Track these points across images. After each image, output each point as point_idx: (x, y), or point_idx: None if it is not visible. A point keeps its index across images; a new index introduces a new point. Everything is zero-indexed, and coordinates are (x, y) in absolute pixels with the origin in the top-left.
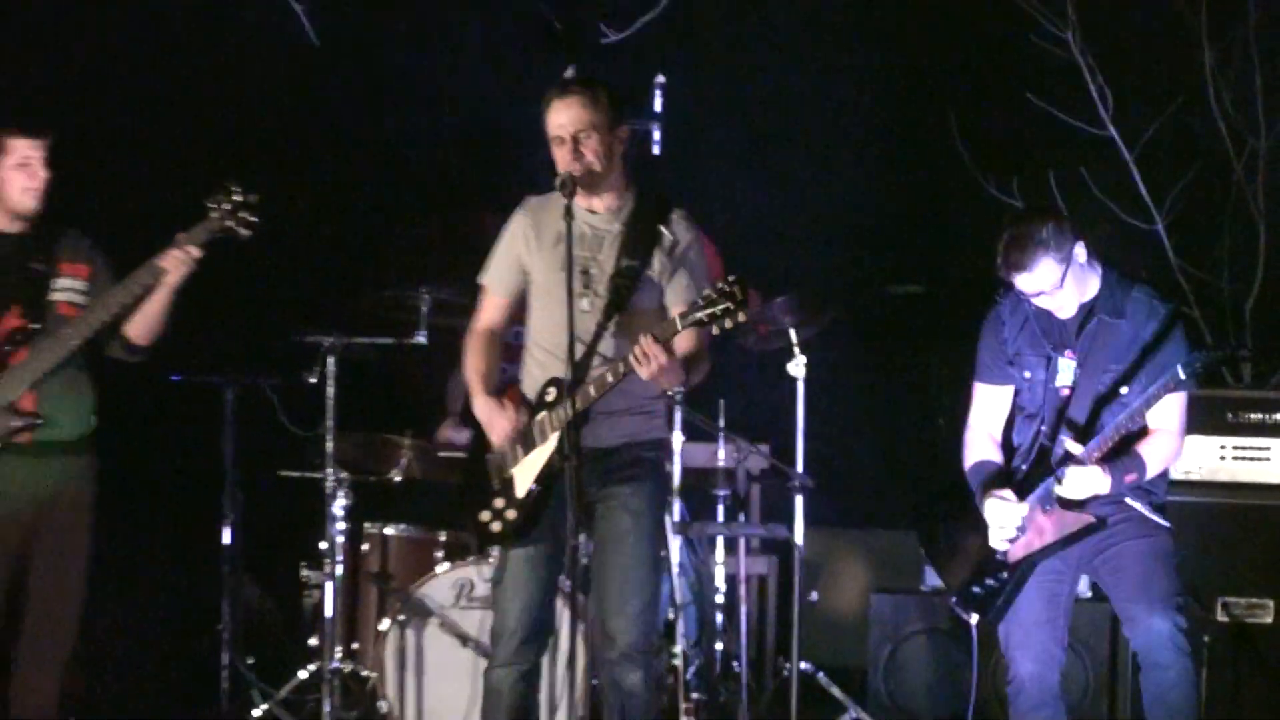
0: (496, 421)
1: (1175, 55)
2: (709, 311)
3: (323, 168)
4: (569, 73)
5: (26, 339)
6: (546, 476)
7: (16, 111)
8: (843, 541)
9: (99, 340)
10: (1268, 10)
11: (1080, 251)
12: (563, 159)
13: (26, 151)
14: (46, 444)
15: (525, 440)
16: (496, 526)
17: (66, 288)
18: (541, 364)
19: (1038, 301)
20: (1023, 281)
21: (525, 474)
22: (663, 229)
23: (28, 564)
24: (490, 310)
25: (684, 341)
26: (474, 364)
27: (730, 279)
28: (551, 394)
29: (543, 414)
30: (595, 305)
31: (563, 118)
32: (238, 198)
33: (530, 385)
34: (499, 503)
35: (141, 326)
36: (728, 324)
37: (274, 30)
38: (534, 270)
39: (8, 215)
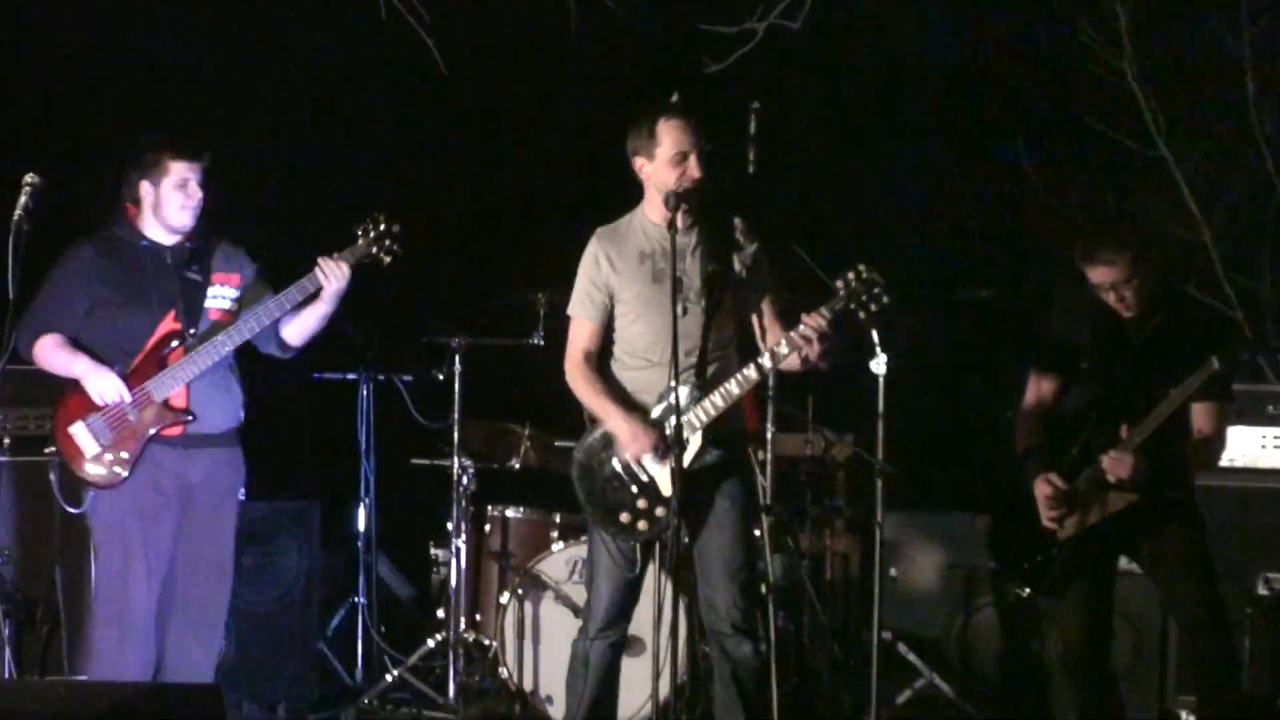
0: (641, 436)
1: (1221, 83)
2: (858, 297)
3: (451, 185)
4: (673, 99)
5: (182, 341)
6: (691, 479)
7: (175, 135)
8: (919, 522)
9: (255, 340)
10: None
11: (1152, 258)
12: (688, 175)
13: (184, 173)
14: (195, 437)
15: (665, 445)
16: (643, 524)
17: (218, 295)
18: (643, 372)
19: (1105, 297)
20: (1096, 274)
21: (669, 476)
22: (738, 237)
23: (176, 546)
24: (584, 336)
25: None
26: (595, 389)
27: (866, 266)
28: (679, 399)
29: (682, 418)
30: (693, 311)
31: (692, 137)
32: (383, 226)
33: (639, 390)
34: (642, 503)
35: (297, 330)
36: (873, 308)
37: (410, 61)
38: (621, 289)
39: (165, 230)
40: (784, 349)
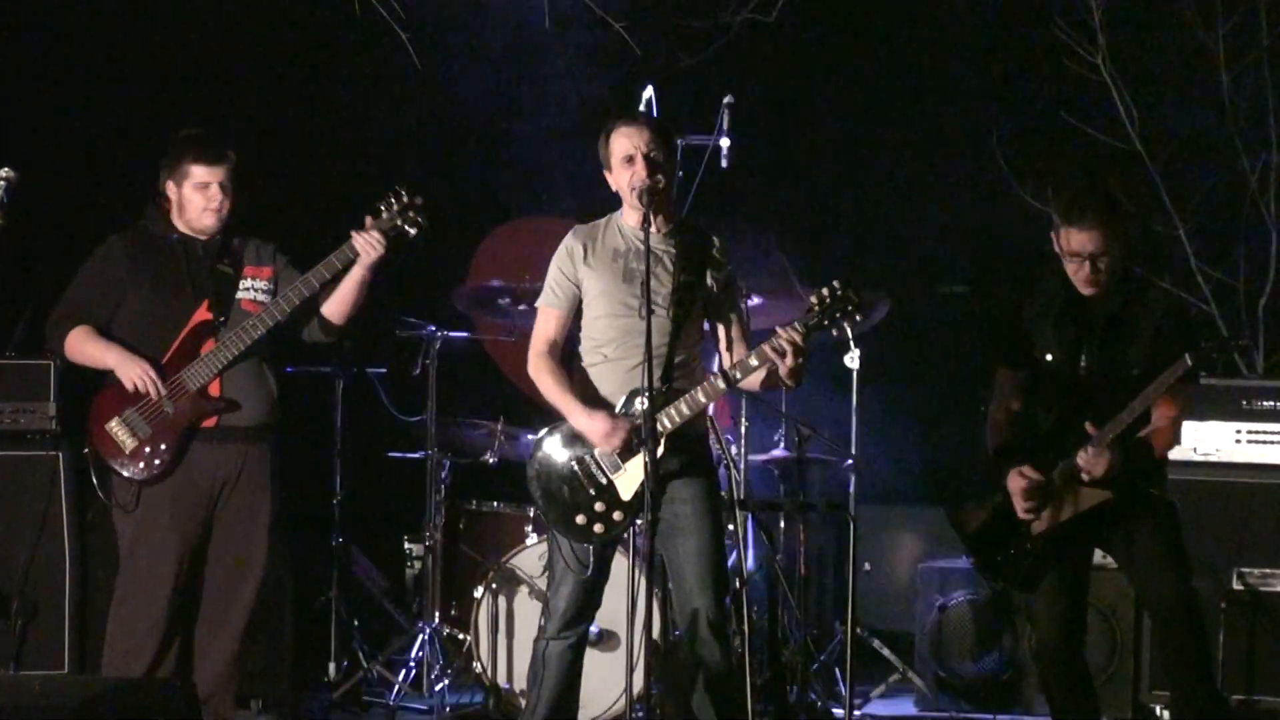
0: (607, 432)
1: (1196, 77)
2: (832, 314)
3: (425, 179)
4: (648, 93)
5: (213, 331)
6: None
7: (200, 137)
8: (893, 516)
9: (294, 328)
10: None
11: (1127, 236)
12: (636, 175)
13: (204, 176)
14: (229, 429)
15: (626, 448)
16: (599, 528)
17: (251, 287)
18: (600, 367)
19: (1073, 268)
20: (1074, 238)
21: (630, 479)
22: (715, 254)
23: (208, 539)
24: (550, 326)
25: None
26: (559, 383)
27: (843, 283)
28: (642, 404)
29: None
30: (660, 316)
31: (635, 139)
32: (405, 199)
33: (600, 388)
34: (599, 506)
35: (336, 305)
36: (846, 325)
37: (384, 55)
38: (590, 283)
39: (191, 229)
40: (754, 361)
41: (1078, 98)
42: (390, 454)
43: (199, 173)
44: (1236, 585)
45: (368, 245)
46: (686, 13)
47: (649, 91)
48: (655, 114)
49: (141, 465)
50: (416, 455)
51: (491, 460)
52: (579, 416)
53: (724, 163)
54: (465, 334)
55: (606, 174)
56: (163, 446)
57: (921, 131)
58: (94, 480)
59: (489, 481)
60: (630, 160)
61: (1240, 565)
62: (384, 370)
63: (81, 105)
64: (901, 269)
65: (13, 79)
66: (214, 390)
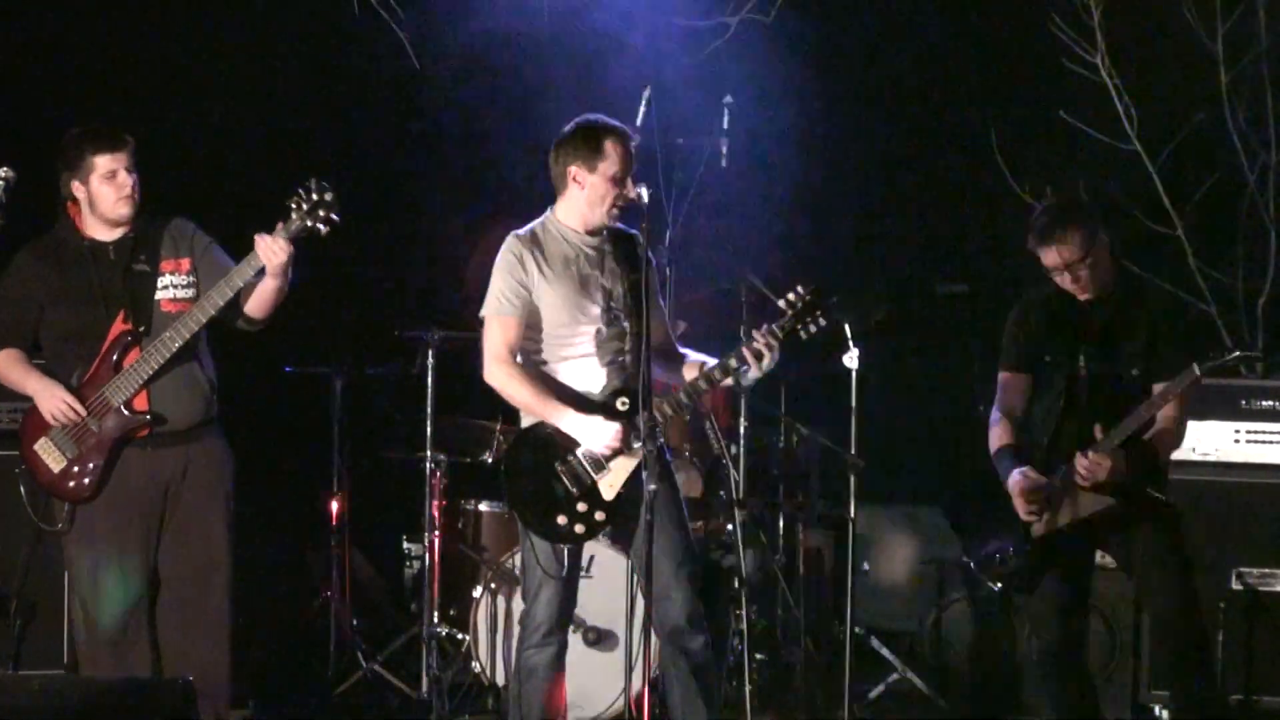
0: (603, 433)
1: (1194, 77)
2: (800, 319)
3: (424, 180)
4: (647, 93)
5: (135, 341)
6: (630, 482)
7: (95, 129)
8: (892, 517)
9: (219, 322)
10: (1278, 36)
11: (1104, 238)
12: (623, 196)
13: (109, 165)
14: (163, 435)
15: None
16: (580, 528)
17: (170, 284)
18: (571, 375)
19: (1061, 280)
20: (1050, 255)
21: (613, 480)
22: (639, 252)
23: (161, 546)
24: (510, 334)
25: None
26: (535, 387)
27: (810, 288)
28: (624, 404)
29: (624, 423)
30: (621, 320)
31: (630, 161)
32: (315, 195)
33: (578, 391)
34: (581, 506)
35: (256, 304)
36: (813, 329)
37: (383, 55)
38: (545, 292)
39: (107, 225)
40: (734, 363)
41: (1077, 98)
42: (389, 454)
43: (103, 162)
44: (1236, 585)
45: (269, 253)
46: (686, 13)
47: (649, 92)
48: (655, 114)
49: (71, 484)
50: (416, 455)
51: (490, 460)
52: (571, 418)
53: (724, 163)
54: (465, 334)
55: (573, 170)
56: (91, 465)
57: (921, 131)
58: (24, 500)
59: (488, 481)
60: (620, 181)
61: (1239, 565)
62: (384, 370)
63: (81, 105)
64: (901, 269)
65: (13, 79)
66: (140, 404)
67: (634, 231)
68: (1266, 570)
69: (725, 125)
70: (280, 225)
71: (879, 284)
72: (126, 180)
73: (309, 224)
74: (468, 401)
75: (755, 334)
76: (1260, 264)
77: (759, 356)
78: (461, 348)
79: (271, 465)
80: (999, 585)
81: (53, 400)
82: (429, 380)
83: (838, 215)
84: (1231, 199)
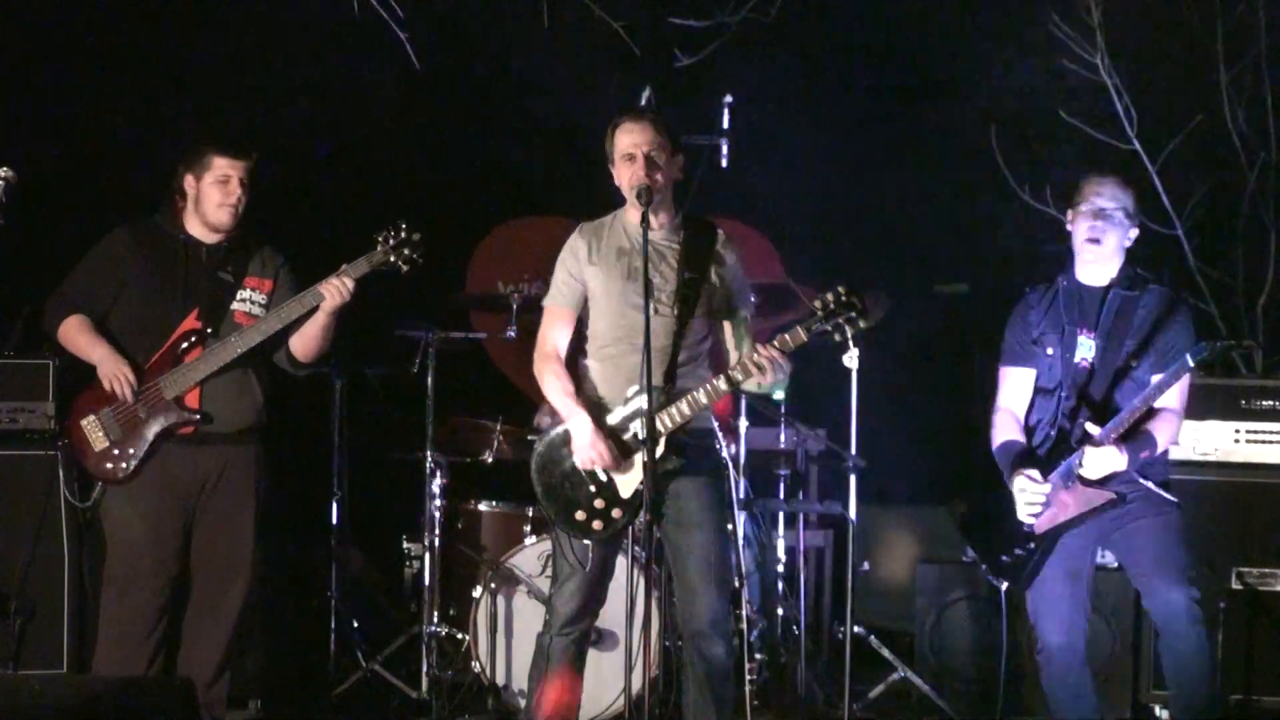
0: (598, 452)
1: (1194, 76)
2: (834, 321)
3: (426, 181)
4: (646, 93)
5: (201, 340)
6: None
7: (223, 131)
8: (892, 516)
9: (270, 348)
10: (1278, 35)
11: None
12: (635, 174)
13: (226, 169)
14: (207, 434)
15: (624, 446)
16: (598, 525)
17: (247, 299)
18: (610, 369)
19: (1087, 224)
20: (1095, 198)
21: (630, 477)
22: (719, 249)
23: (191, 543)
24: (558, 326)
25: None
26: (562, 386)
27: (846, 289)
28: (636, 403)
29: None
30: (665, 314)
31: (637, 137)
32: (403, 234)
33: (601, 387)
34: (599, 503)
35: (301, 344)
36: (849, 331)
37: (383, 56)
38: (595, 281)
39: (205, 227)
40: (738, 375)
41: (1076, 97)
42: (389, 454)
43: (221, 165)
44: (1236, 585)
45: (333, 292)
46: (686, 13)
47: (648, 91)
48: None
49: (108, 466)
50: (416, 455)
51: (489, 460)
52: (576, 424)
53: (724, 163)
54: (464, 334)
55: (611, 168)
56: (131, 450)
57: (921, 131)
58: (60, 474)
59: (487, 481)
60: (631, 159)
61: (1240, 565)
62: (383, 370)
63: (81, 105)
64: (901, 269)
65: (13, 79)
66: (191, 400)
67: (720, 231)
68: (1266, 570)
69: (725, 125)
70: (364, 257)
71: (879, 284)
72: (235, 189)
73: (392, 259)
74: (468, 401)
75: (760, 346)
76: (1260, 263)
77: (760, 369)
78: (461, 348)
79: (274, 464)
80: (1003, 584)
81: (115, 367)
82: (429, 380)
83: (838, 215)
84: (1231, 199)
